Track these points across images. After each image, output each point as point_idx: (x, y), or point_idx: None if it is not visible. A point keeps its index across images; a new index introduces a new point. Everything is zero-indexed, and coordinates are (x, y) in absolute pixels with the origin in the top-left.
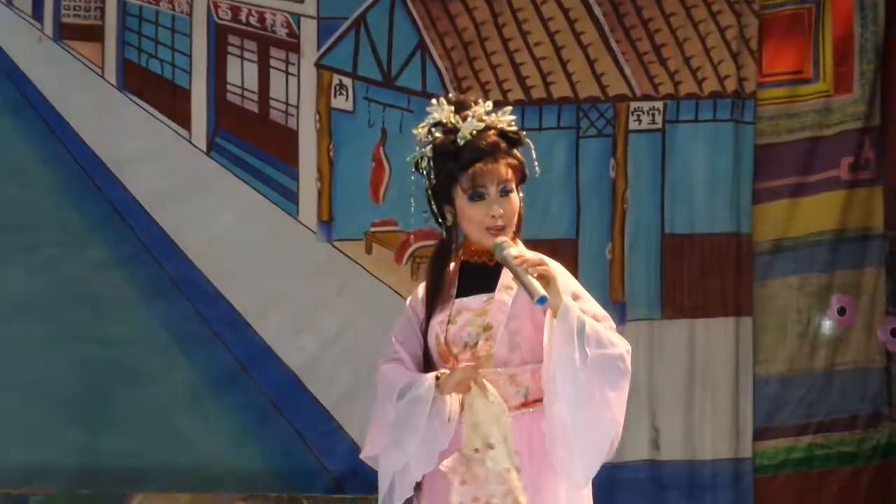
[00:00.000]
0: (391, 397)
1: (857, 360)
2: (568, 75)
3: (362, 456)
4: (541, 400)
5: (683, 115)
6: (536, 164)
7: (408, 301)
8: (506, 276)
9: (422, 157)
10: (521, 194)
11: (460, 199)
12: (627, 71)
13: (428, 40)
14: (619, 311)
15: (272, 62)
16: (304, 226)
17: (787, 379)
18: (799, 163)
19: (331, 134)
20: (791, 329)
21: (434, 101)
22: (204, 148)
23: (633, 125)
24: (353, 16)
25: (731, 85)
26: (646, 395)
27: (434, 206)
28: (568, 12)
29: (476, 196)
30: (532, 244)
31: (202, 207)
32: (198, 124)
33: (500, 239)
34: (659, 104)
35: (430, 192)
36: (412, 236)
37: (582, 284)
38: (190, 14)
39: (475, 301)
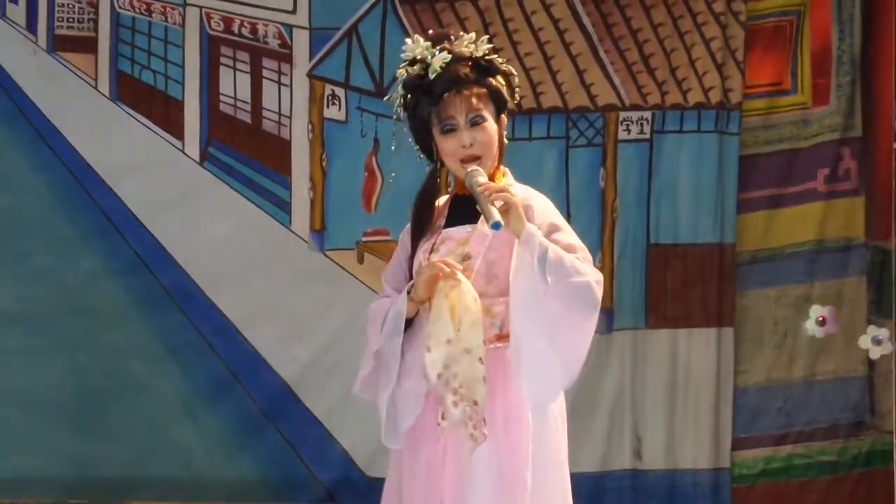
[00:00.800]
0: (376, 327)
1: (838, 370)
2: (557, 85)
3: (355, 390)
4: None
5: (669, 125)
6: (517, 92)
7: (400, 238)
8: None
9: (398, 96)
10: (503, 122)
11: (436, 132)
12: (616, 81)
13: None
14: (607, 319)
15: (265, 73)
16: (297, 235)
17: (766, 389)
18: (778, 174)
19: (323, 144)
20: (768, 339)
21: (409, 39)
22: (197, 158)
23: (622, 135)
24: (344, 26)
25: (715, 96)
26: (629, 405)
27: (418, 144)
28: (558, 22)
29: (447, 128)
30: None
31: (195, 217)
32: (191, 135)
33: (472, 167)
34: (647, 114)
35: (411, 129)
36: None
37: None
38: (182, 25)
39: (460, 231)
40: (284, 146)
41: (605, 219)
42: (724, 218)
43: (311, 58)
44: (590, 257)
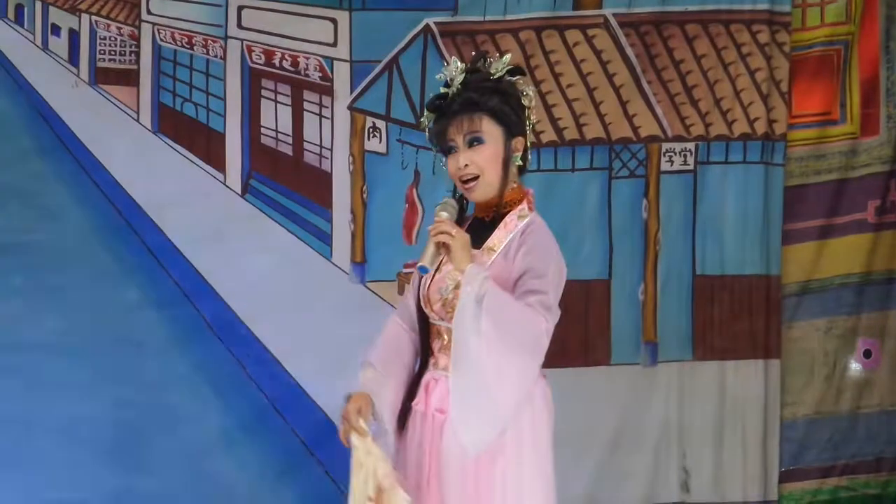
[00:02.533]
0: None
1: (883, 403)
2: (600, 116)
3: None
4: None
5: (714, 156)
6: (531, 117)
7: None
8: (494, 238)
9: (426, 118)
10: (516, 143)
11: (446, 154)
12: (659, 112)
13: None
14: (652, 351)
15: (306, 105)
16: (338, 267)
17: (814, 421)
18: (826, 205)
19: (364, 176)
20: (818, 371)
21: (447, 61)
22: (238, 191)
23: (665, 166)
24: (385, 59)
25: (761, 127)
26: (676, 437)
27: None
28: (600, 54)
29: (448, 150)
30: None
31: (237, 250)
32: (232, 167)
33: (444, 199)
34: (690, 145)
35: (433, 145)
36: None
37: (613, 324)
38: (224, 58)
39: None
40: (325, 178)
41: (648, 250)
42: (769, 249)
43: (352, 90)
44: (545, 301)
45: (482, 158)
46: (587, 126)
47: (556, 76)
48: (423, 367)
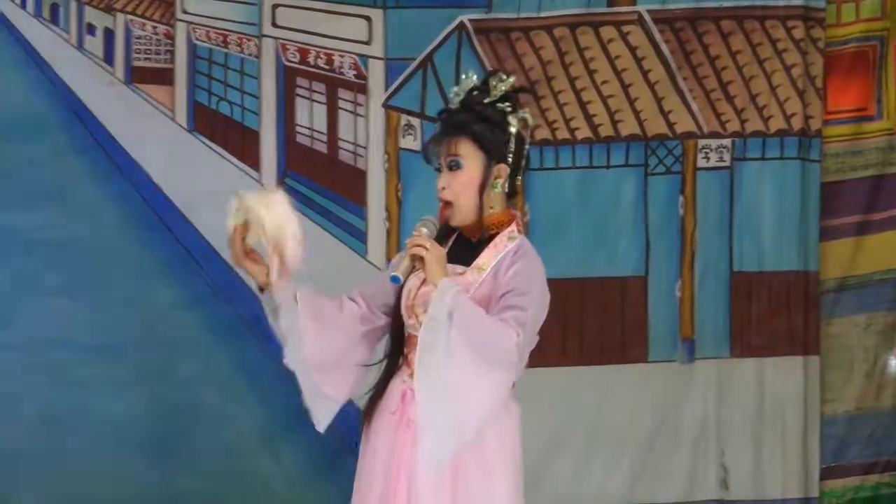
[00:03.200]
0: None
1: None
2: (636, 113)
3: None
4: None
5: (750, 152)
6: (513, 131)
7: (394, 259)
8: (483, 257)
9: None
10: (498, 170)
11: None
12: (695, 108)
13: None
14: (689, 348)
15: (341, 103)
16: (373, 265)
17: (855, 418)
18: (864, 201)
19: (399, 173)
20: (858, 368)
21: (464, 75)
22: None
23: (701, 163)
24: (420, 56)
25: (797, 123)
26: (714, 435)
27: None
28: (635, 50)
29: (435, 168)
30: (601, 282)
31: None
32: (267, 165)
33: (425, 217)
34: (727, 142)
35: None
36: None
37: (650, 321)
38: (259, 57)
39: (452, 269)
40: (360, 176)
41: (685, 247)
42: (807, 245)
43: (386, 88)
44: (522, 317)
45: (458, 183)
46: (622, 123)
47: (591, 73)
48: (391, 372)
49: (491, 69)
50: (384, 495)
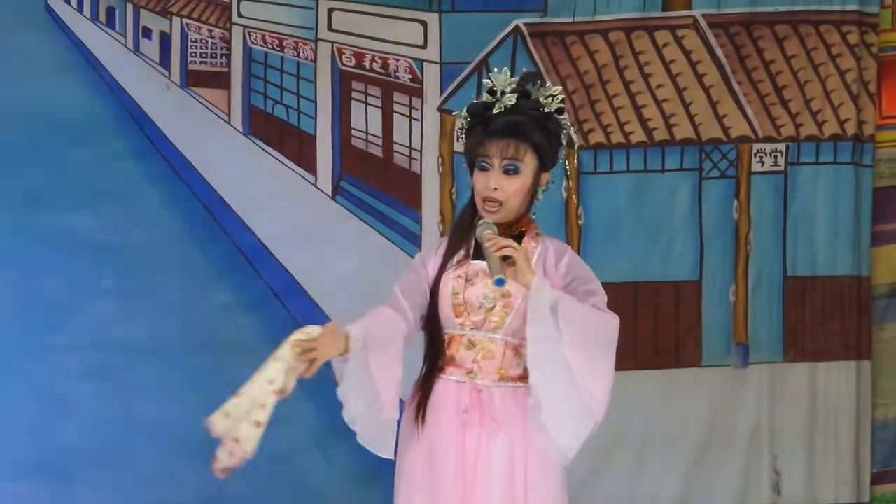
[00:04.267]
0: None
1: None
2: (690, 117)
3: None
4: None
5: (805, 157)
6: (565, 154)
7: (416, 257)
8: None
9: (462, 116)
10: (543, 177)
11: (476, 165)
12: (749, 112)
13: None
14: (742, 353)
15: (396, 107)
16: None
17: None
18: None
19: (453, 177)
20: None
21: (496, 68)
22: (329, 192)
23: (755, 167)
24: (475, 60)
25: (851, 128)
26: (767, 439)
27: (468, 166)
28: (689, 54)
29: (482, 166)
30: (655, 286)
31: (327, 251)
32: (323, 169)
33: (484, 220)
34: (781, 146)
35: (465, 149)
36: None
37: (704, 325)
38: (314, 61)
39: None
40: (415, 180)
41: (739, 251)
42: (859, 250)
43: (441, 92)
44: (604, 300)
45: (513, 188)
46: (677, 126)
47: (646, 77)
48: (433, 374)
49: (527, 72)
50: (460, 491)
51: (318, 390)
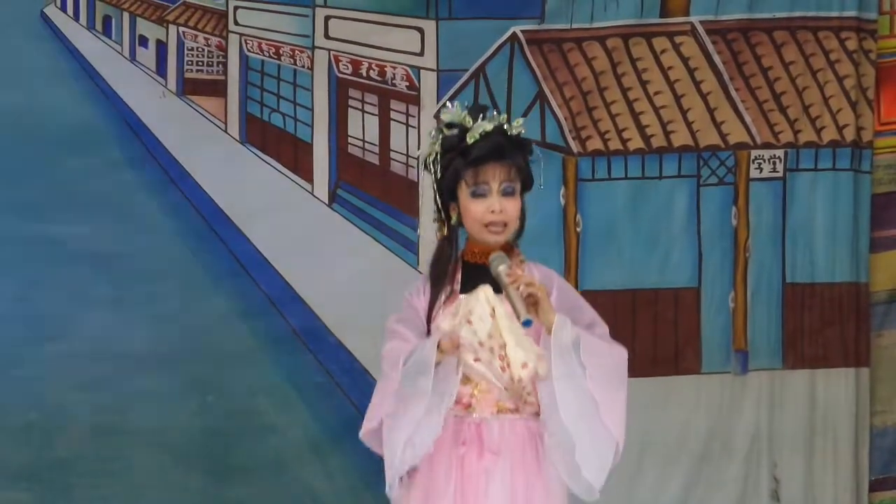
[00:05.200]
0: (396, 365)
1: None
2: (688, 123)
3: (361, 434)
4: (537, 412)
5: (803, 163)
6: (541, 180)
7: (406, 296)
8: None
9: (430, 153)
10: (523, 201)
11: (464, 195)
12: (748, 119)
13: (547, 90)
14: (742, 360)
15: (393, 114)
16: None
17: None
18: None
19: None
20: None
21: (448, 104)
22: (326, 200)
23: (754, 173)
24: (472, 68)
25: (849, 134)
26: (766, 446)
27: (439, 203)
28: (687, 61)
29: (478, 192)
30: (653, 293)
31: (324, 259)
32: (320, 177)
33: (495, 254)
34: (779, 152)
35: (435, 188)
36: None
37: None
38: (311, 68)
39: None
40: (412, 187)
41: (738, 257)
42: (858, 256)
43: (438, 99)
44: (607, 329)
45: (513, 209)
46: (675, 133)
47: (644, 83)
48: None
49: (474, 105)
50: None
51: (315, 399)
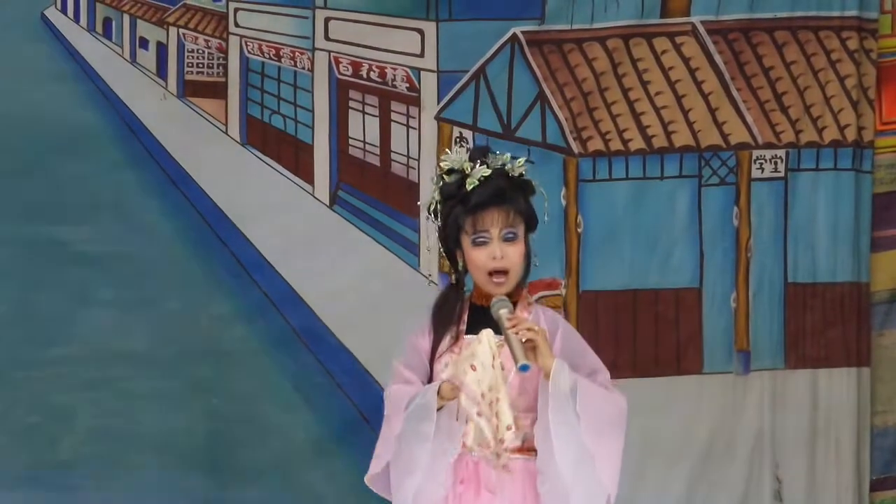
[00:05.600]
0: (399, 410)
1: None
2: (689, 124)
3: (367, 479)
4: (535, 449)
5: (805, 163)
6: (546, 213)
7: (409, 339)
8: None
9: (431, 202)
10: (529, 244)
11: (466, 243)
12: (749, 119)
13: (548, 91)
14: (744, 360)
15: (393, 116)
16: (425, 277)
17: None
18: None
19: None
20: None
21: (447, 150)
22: (327, 201)
23: (755, 173)
24: (472, 69)
25: (851, 133)
26: (769, 446)
27: (445, 249)
28: (688, 61)
29: (479, 240)
30: (655, 293)
31: (325, 260)
32: (320, 178)
33: (497, 298)
34: (781, 152)
35: (439, 235)
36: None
37: (705, 332)
38: (311, 70)
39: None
40: (413, 188)
41: (740, 258)
42: (859, 256)
43: (438, 100)
44: (608, 376)
45: (516, 254)
46: (676, 133)
47: (644, 84)
48: None
49: (472, 148)
50: None
51: (318, 400)
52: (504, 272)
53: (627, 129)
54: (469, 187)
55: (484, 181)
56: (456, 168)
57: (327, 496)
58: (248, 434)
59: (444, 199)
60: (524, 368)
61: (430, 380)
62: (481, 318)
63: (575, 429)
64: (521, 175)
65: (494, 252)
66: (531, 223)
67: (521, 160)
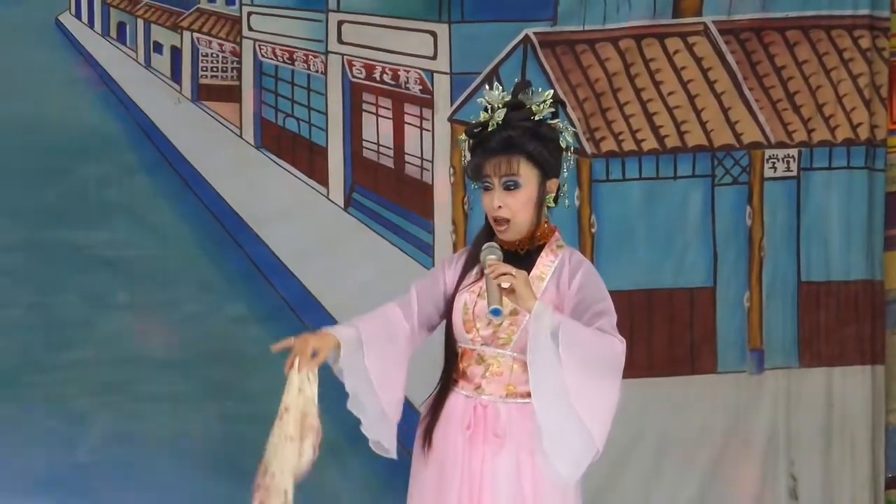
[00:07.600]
0: (360, 320)
1: None
2: (702, 123)
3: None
4: None
5: (817, 162)
6: (570, 159)
7: (440, 262)
8: (538, 267)
9: (464, 139)
10: (551, 185)
11: (481, 187)
12: (761, 118)
13: (560, 92)
14: (758, 359)
15: (407, 118)
16: None
17: None
18: None
19: (465, 187)
20: None
21: (488, 85)
22: (341, 204)
23: (768, 172)
24: (485, 70)
25: (864, 132)
26: (784, 445)
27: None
28: (701, 61)
29: (485, 187)
30: (669, 293)
31: (340, 262)
32: (335, 181)
33: (488, 244)
34: (793, 151)
35: (466, 173)
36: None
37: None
38: (325, 73)
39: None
40: (427, 190)
41: (753, 257)
42: (873, 255)
43: (452, 102)
44: (613, 322)
45: (517, 202)
46: (689, 133)
47: (657, 84)
48: (447, 388)
49: (518, 82)
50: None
51: (332, 399)
52: (504, 220)
53: (640, 129)
54: (489, 129)
55: (500, 126)
56: (489, 105)
57: (341, 495)
58: (264, 436)
59: (470, 137)
60: (495, 313)
61: (443, 312)
62: (507, 260)
63: (556, 372)
64: (543, 119)
65: (493, 201)
66: (547, 168)
67: (549, 97)
